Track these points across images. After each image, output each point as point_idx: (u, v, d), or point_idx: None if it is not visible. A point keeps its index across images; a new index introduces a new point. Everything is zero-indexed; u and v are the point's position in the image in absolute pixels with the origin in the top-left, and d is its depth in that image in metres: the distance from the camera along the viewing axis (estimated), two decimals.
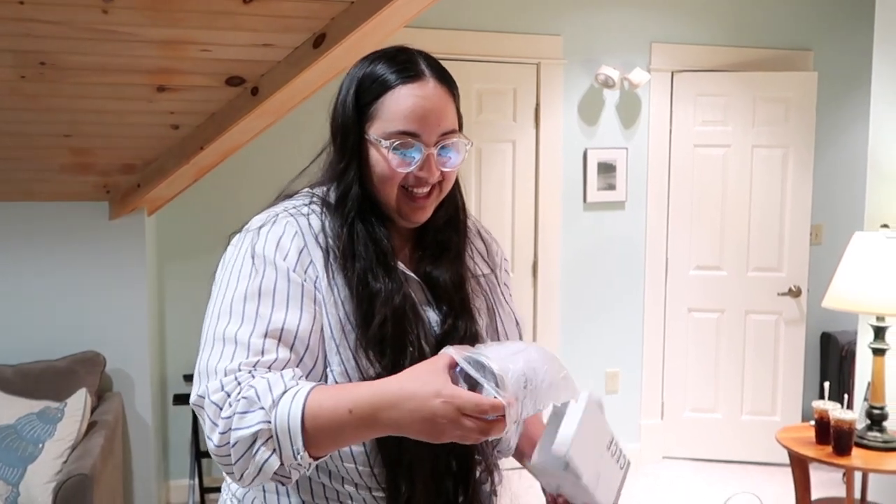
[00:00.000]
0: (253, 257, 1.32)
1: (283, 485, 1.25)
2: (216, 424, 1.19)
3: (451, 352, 1.17)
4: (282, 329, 1.26)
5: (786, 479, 4.76)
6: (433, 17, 4.43)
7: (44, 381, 3.57)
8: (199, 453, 4.34)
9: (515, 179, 4.88)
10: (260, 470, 1.18)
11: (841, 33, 5.28)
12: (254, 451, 1.17)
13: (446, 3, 4.49)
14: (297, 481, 1.33)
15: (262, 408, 1.17)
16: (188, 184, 3.84)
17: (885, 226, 3.42)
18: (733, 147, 5.04)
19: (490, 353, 1.17)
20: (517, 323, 1.58)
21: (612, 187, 5.01)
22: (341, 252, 1.34)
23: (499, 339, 1.51)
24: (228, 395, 1.19)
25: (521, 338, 1.58)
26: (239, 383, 1.19)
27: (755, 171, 5.04)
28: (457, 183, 1.49)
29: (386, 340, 1.31)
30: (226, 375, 1.21)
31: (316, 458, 1.20)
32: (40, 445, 3.19)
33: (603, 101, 4.97)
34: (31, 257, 3.81)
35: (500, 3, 4.72)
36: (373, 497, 1.36)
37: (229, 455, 1.18)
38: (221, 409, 1.18)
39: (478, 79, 4.73)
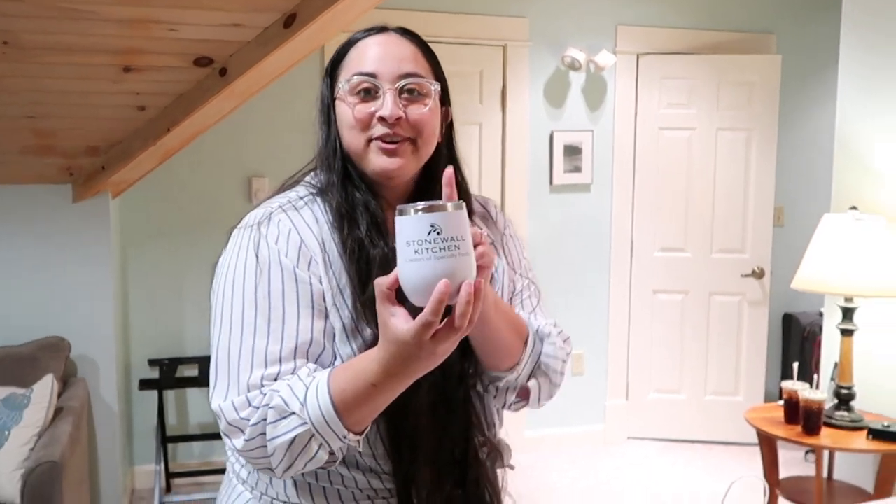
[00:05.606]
0: (257, 257, 1.31)
1: (332, 465, 1.29)
2: (242, 431, 1.24)
3: None
4: (296, 337, 1.28)
5: (749, 458, 4.84)
6: None
7: (7, 368, 3.50)
8: (165, 438, 4.30)
9: (482, 162, 4.87)
10: (308, 464, 1.23)
11: (803, 16, 5.33)
12: (298, 451, 1.21)
13: None
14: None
15: (294, 413, 1.20)
16: (154, 166, 3.77)
17: (854, 207, 3.46)
18: (698, 130, 5.07)
19: None
20: (519, 275, 1.54)
21: (577, 170, 5.02)
22: (337, 212, 1.35)
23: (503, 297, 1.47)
24: (257, 409, 1.23)
25: (533, 284, 1.55)
26: (264, 396, 1.24)
27: (719, 154, 5.08)
28: (456, 162, 1.47)
29: None
30: (250, 391, 1.25)
31: (360, 433, 1.23)
32: (6, 433, 3.13)
33: (569, 83, 4.97)
34: None
35: None
36: (378, 479, 1.37)
37: (263, 458, 1.23)
38: (249, 420, 1.23)
39: (444, 61, 4.61)
